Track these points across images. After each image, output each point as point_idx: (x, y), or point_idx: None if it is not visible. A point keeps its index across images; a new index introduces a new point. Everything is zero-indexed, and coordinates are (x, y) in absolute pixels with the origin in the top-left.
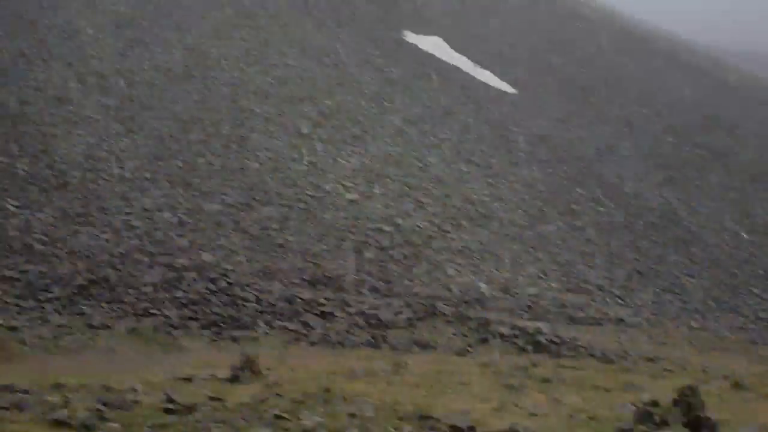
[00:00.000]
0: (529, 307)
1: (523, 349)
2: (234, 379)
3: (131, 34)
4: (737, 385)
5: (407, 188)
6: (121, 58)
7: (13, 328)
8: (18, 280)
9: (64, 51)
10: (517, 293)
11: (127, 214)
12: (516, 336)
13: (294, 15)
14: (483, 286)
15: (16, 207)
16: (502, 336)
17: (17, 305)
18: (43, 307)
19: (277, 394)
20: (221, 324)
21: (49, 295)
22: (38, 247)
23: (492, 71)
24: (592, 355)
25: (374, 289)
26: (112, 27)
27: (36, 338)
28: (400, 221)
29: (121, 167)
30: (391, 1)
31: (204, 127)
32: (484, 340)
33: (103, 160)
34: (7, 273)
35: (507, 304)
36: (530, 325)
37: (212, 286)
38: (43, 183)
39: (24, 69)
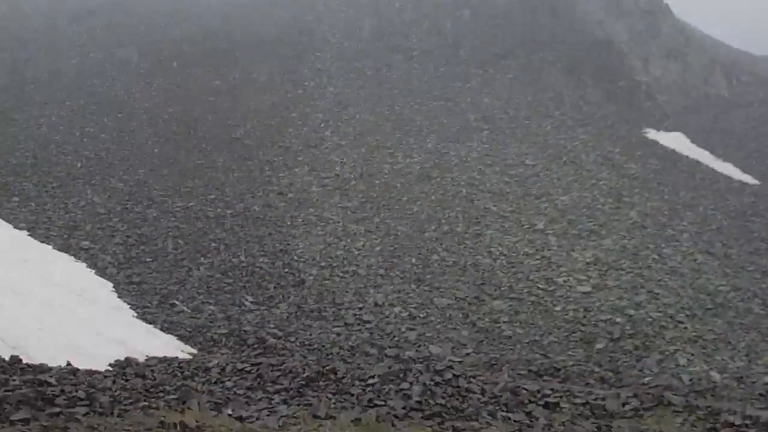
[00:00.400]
0: (762, 395)
1: None
2: None
3: (373, 141)
4: None
5: (641, 279)
6: (363, 163)
7: (241, 418)
8: (249, 372)
9: (308, 158)
10: (753, 382)
11: (359, 308)
12: (747, 425)
13: (534, 116)
14: (715, 375)
15: (253, 303)
16: (732, 425)
17: (247, 396)
18: (272, 398)
19: None
20: (444, 414)
21: (278, 387)
22: (271, 340)
23: (734, 163)
24: None
25: (602, 380)
26: (356, 134)
27: (263, 428)
28: (632, 312)
29: (356, 265)
30: (633, 99)
31: (439, 225)
32: (713, 430)
33: (339, 258)
34: (240, 365)
35: (740, 393)
36: (764, 414)
37: (438, 378)
38: (281, 280)
39: (269, 175)
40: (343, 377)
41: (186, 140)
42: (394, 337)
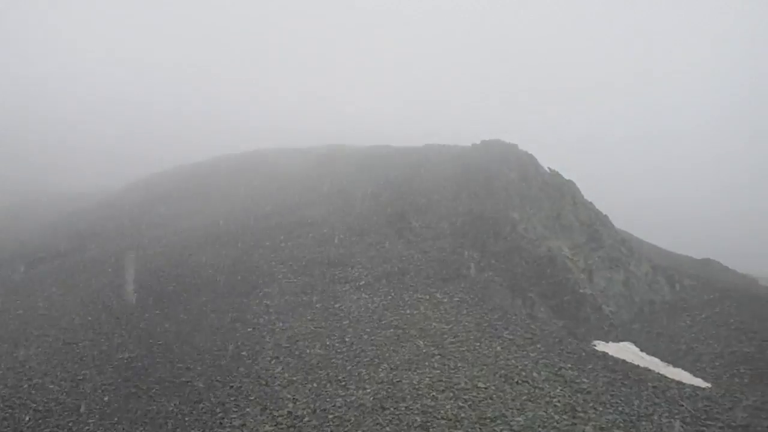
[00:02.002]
0: None
1: None
2: None
3: (325, 375)
4: None
5: None
6: (316, 398)
7: None
8: None
9: (260, 396)
10: None
11: None
12: None
13: (484, 338)
14: None
15: None
16: None
17: None
18: None
19: None
20: None
21: None
22: None
23: (683, 368)
24: None
25: None
26: (308, 369)
27: None
28: None
29: None
30: (580, 312)
31: None
32: None
33: None
34: None
35: None
36: None
37: None
38: None
39: (221, 417)
40: None
41: (136, 386)
42: None
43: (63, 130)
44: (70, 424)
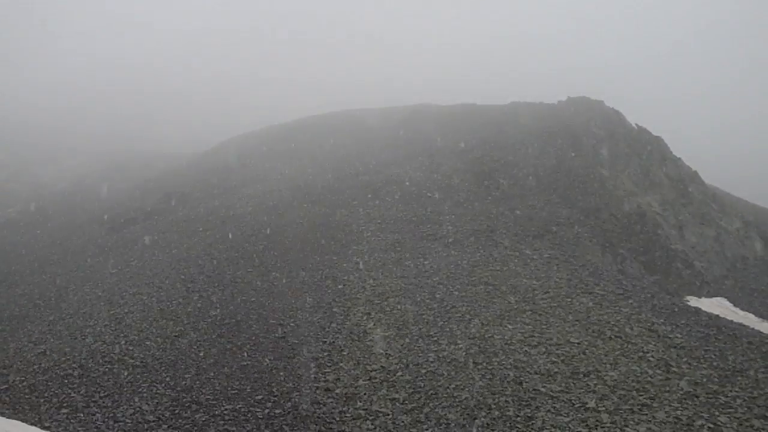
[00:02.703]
0: None
1: None
2: None
3: (417, 331)
4: None
5: None
6: (408, 353)
7: None
8: None
9: (353, 352)
10: None
11: None
12: None
13: (575, 294)
14: None
15: None
16: None
17: None
18: None
19: None
20: None
21: None
22: None
23: None
24: None
25: None
26: (399, 325)
27: None
28: None
29: None
30: (671, 268)
31: (489, 410)
32: None
33: None
34: None
35: None
36: None
37: None
38: None
39: (316, 372)
40: None
41: (230, 342)
42: None
43: (155, 86)
44: (167, 379)
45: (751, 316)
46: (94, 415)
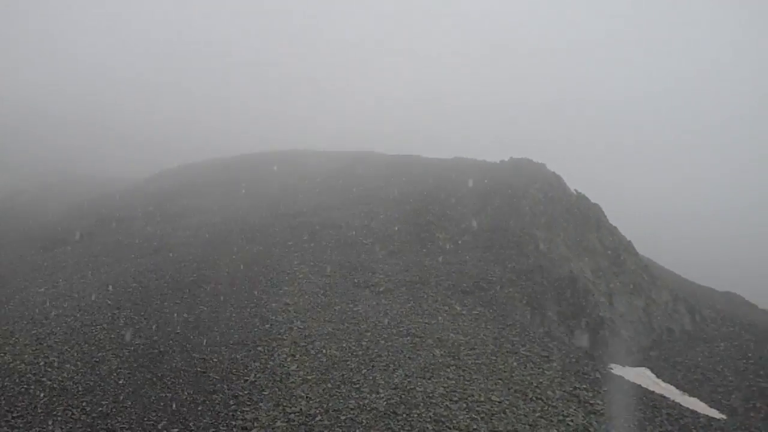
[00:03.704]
0: None
1: None
2: None
3: (339, 376)
4: None
5: None
6: (329, 398)
7: None
8: None
9: (273, 393)
10: None
11: None
12: None
13: (500, 353)
14: None
15: None
16: None
17: None
18: None
19: None
20: None
21: None
22: None
23: (699, 398)
24: None
25: None
26: (323, 369)
27: None
28: None
29: None
30: (598, 335)
31: None
32: None
33: None
34: None
35: None
36: None
37: None
38: None
39: (234, 409)
40: None
41: (151, 372)
42: None
43: (94, 113)
44: (83, 404)
45: (673, 388)
46: None
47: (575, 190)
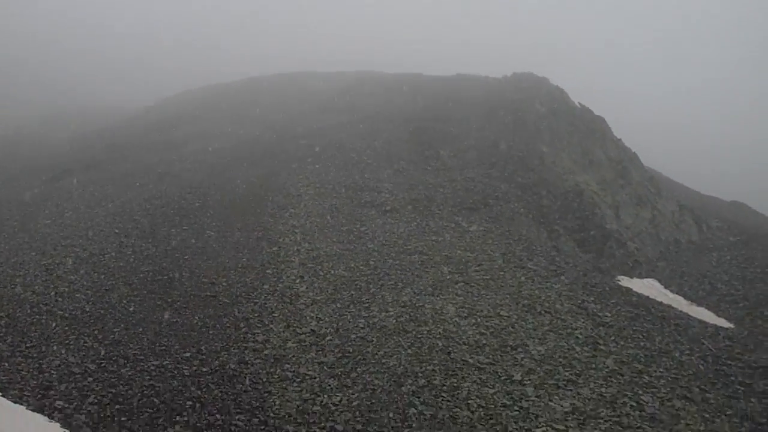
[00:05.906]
0: None
1: None
2: None
3: (348, 296)
4: None
5: (619, 428)
6: (339, 318)
7: None
8: None
9: (283, 314)
10: None
11: None
12: None
13: (508, 268)
14: None
15: None
16: None
17: None
18: None
19: None
20: None
21: None
22: None
23: (707, 307)
24: None
25: None
26: (331, 289)
27: None
28: None
29: (333, 420)
30: (605, 247)
31: (416, 378)
32: None
33: (317, 414)
34: None
35: None
36: None
37: None
38: None
39: (245, 332)
40: None
41: (161, 299)
42: None
43: (98, 40)
44: (95, 332)
45: (681, 299)
46: (19, 365)
47: (579, 103)
